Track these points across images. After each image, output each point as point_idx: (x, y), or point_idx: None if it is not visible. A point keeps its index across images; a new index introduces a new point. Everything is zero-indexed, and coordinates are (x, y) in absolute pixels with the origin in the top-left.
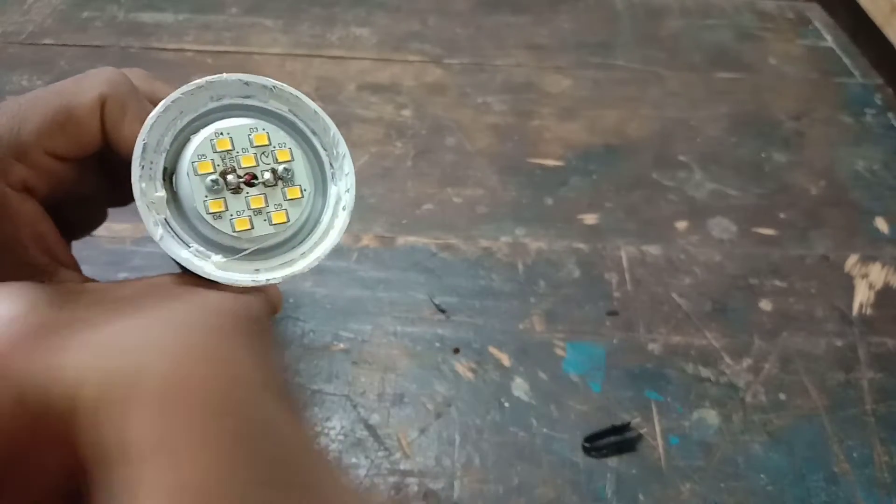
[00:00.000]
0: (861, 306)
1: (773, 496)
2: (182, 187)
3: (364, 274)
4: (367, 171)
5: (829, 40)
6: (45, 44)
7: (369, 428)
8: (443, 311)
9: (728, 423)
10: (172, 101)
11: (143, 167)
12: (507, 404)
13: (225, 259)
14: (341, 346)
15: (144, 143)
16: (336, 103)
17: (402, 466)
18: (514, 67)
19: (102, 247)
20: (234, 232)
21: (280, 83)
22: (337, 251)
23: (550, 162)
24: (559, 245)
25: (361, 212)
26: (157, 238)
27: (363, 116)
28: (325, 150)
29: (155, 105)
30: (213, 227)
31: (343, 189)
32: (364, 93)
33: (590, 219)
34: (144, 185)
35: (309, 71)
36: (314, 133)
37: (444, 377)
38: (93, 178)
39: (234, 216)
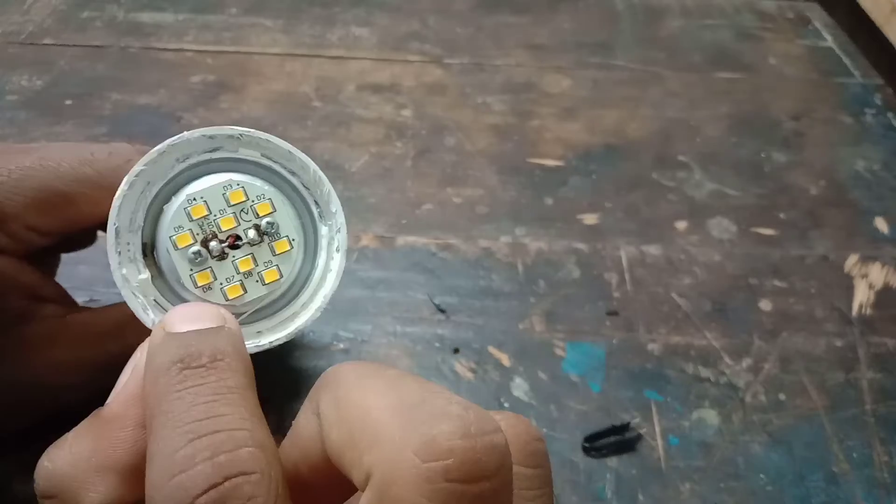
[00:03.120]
0: (861, 306)
1: (773, 496)
2: (164, 263)
3: (364, 274)
4: (367, 171)
5: (829, 40)
6: (44, 44)
7: None
8: (443, 311)
9: (728, 423)
10: (136, 175)
11: (119, 252)
12: (506, 404)
13: None
14: (341, 346)
15: (116, 227)
16: (336, 103)
17: None
18: (514, 67)
19: (103, 247)
20: (227, 300)
21: (247, 130)
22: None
23: (550, 162)
24: (559, 245)
25: (361, 212)
26: (149, 325)
27: (363, 116)
28: (307, 188)
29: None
30: (204, 300)
31: (334, 229)
32: (364, 93)
33: (590, 219)
34: (125, 270)
35: (309, 71)
36: (293, 173)
37: (444, 377)
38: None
39: (225, 284)
